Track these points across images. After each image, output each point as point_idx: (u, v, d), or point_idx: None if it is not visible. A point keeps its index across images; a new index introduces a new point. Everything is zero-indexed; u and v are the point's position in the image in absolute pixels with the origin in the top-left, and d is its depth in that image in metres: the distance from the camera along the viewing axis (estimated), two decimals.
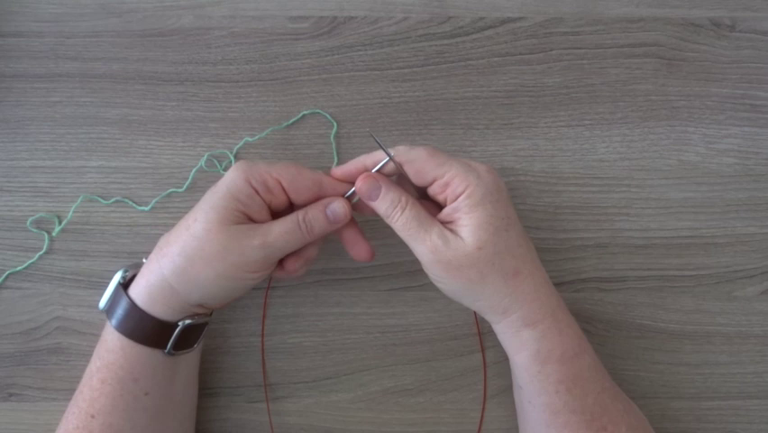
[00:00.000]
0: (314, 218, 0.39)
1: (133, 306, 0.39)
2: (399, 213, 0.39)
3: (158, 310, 0.39)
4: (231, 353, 0.47)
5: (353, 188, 0.40)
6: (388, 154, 0.39)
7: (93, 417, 0.38)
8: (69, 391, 0.41)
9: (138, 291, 0.39)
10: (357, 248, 0.41)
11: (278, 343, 0.47)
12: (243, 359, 0.47)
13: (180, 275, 0.38)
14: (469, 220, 0.37)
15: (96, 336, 0.41)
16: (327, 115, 0.49)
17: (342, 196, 0.41)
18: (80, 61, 0.49)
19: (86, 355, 0.41)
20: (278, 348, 0.47)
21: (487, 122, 0.49)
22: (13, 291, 0.47)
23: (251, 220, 0.39)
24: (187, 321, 0.40)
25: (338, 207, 0.40)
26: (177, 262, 0.38)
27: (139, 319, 0.39)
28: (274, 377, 0.47)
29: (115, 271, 0.42)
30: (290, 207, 0.41)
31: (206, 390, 0.47)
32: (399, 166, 0.39)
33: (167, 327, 0.39)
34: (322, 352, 0.47)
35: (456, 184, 0.38)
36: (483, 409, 0.46)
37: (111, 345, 0.39)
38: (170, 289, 0.39)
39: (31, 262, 0.47)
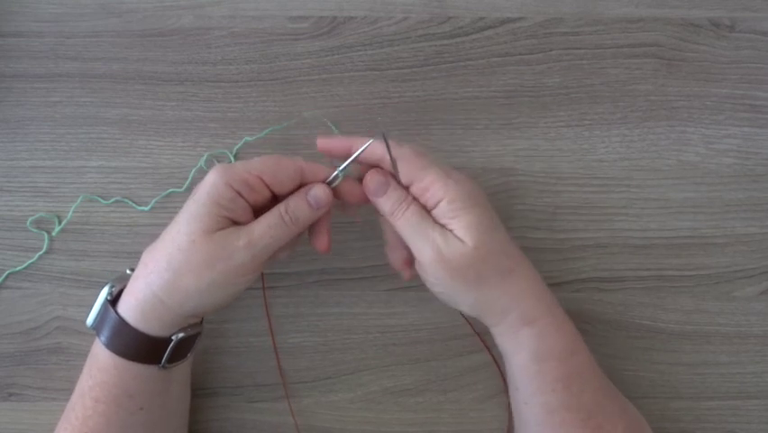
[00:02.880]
0: (296, 208, 0.38)
1: (125, 324, 0.38)
2: (404, 210, 0.39)
3: (150, 327, 0.38)
4: (231, 353, 0.47)
5: (334, 174, 0.39)
6: (393, 161, 0.38)
7: None
8: (69, 392, 0.40)
9: (128, 309, 0.38)
10: (319, 238, 0.41)
11: (277, 343, 0.47)
12: (244, 359, 0.47)
13: (171, 290, 0.37)
14: (459, 223, 0.38)
15: (95, 336, 0.41)
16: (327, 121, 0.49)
17: (323, 181, 0.39)
18: (80, 61, 0.49)
19: (86, 355, 0.40)
20: (277, 348, 0.47)
21: (487, 122, 0.49)
22: (13, 291, 0.47)
23: (234, 224, 0.38)
24: (181, 334, 0.39)
25: (320, 192, 0.39)
26: (165, 277, 0.37)
27: (132, 338, 0.38)
28: (274, 377, 0.47)
29: (114, 273, 0.41)
30: (272, 202, 0.40)
31: (206, 390, 0.47)
32: (395, 166, 0.39)
33: (160, 342, 0.39)
34: (321, 352, 0.47)
35: (436, 189, 0.38)
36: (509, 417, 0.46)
37: (103, 364, 0.39)
38: (162, 304, 0.38)
39: (31, 262, 0.47)
